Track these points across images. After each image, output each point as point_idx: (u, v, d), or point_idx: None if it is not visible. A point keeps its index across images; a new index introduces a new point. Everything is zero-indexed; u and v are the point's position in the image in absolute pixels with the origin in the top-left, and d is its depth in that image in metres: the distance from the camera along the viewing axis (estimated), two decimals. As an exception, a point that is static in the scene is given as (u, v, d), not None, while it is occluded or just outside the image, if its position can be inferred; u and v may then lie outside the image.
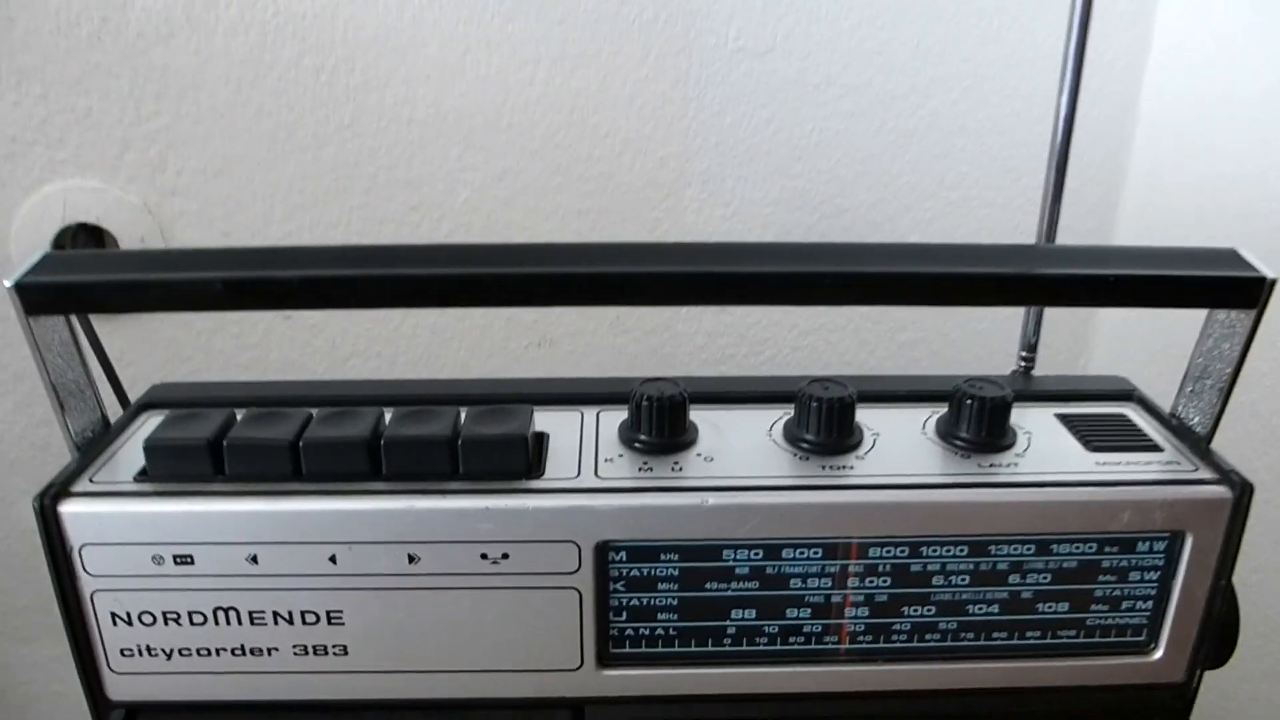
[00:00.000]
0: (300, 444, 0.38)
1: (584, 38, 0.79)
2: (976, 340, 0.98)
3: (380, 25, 0.76)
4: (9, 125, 0.73)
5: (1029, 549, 0.40)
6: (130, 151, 0.77)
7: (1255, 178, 0.76)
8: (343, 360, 0.88)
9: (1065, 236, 0.93)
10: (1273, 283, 0.37)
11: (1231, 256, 0.38)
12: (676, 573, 0.39)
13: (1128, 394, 0.46)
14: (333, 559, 0.38)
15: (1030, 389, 0.46)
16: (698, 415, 0.43)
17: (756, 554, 0.39)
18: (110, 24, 0.72)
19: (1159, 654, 0.42)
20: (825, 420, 0.40)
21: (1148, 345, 0.89)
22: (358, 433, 0.38)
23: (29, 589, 0.88)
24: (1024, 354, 0.49)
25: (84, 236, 0.79)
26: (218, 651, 0.39)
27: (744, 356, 0.94)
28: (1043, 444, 0.42)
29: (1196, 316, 0.41)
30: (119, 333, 0.81)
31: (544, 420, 0.43)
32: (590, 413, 0.44)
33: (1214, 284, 0.38)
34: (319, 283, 0.35)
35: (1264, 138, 0.75)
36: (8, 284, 0.35)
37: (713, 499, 0.38)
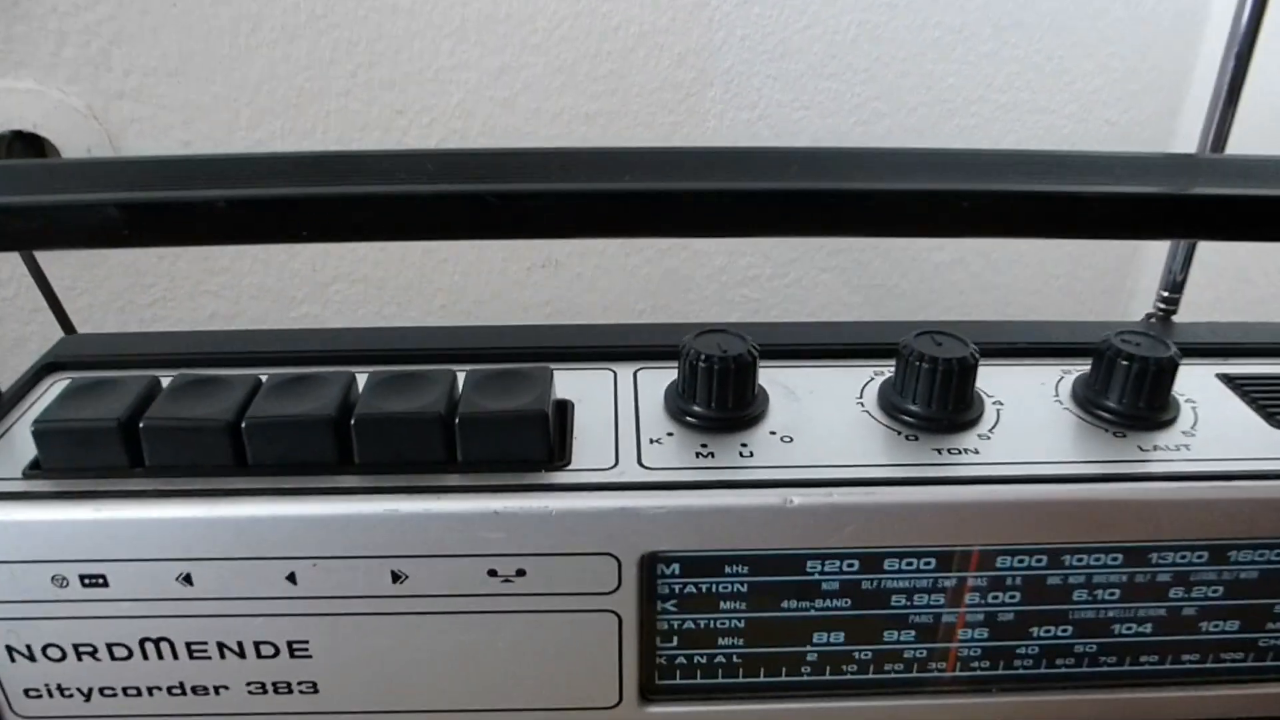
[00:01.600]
0: (243, 425, 0.28)
1: (593, -91, 0.69)
2: (1019, 261, 0.89)
3: (355, -109, 0.66)
4: (-83, 13, 0.63)
5: (1200, 556, 0.31)
6: (68, 46, 0.66)
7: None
8: (325, 285, 0.79)
9: (1110, 144, 0.84)
10: None
11: None
12: (745, 589, 0.30)
13: (1300, 346, 0.37)
14: (291, 578, 0.28)
15: (1181, 341, 0.37)
16: (765, 375, 0.33)
17: (851, 565, 0.30)
18: (32, -112, 0.61)
19: (1344, 678, 0.33)
20: (940, 389, 0.30)
21: (1209, 278, 0.79)
22: (319, 409, 0.28)
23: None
24: (1165, 294, 0.39)
25: (20, 146, 0.69)
26: (150, 691, 0.30)
27: (768, 278, 0.86)
28: (1213, 417, 0.32)
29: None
30: (69, 257, 0.72)
31: (567, 383, 0.33)
32: (625, 372, 0.34)
33: None
34: (251, 206, 0.25)
35: None
36: None
37: (799, 497, 0.28)
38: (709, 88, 0.77)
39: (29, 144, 0.68)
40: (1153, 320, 0.39)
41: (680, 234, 0.27)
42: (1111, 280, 0.91)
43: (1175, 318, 0.40)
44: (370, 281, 0.79)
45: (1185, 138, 0.84)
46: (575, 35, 0.73)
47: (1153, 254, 0.87)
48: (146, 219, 0.25)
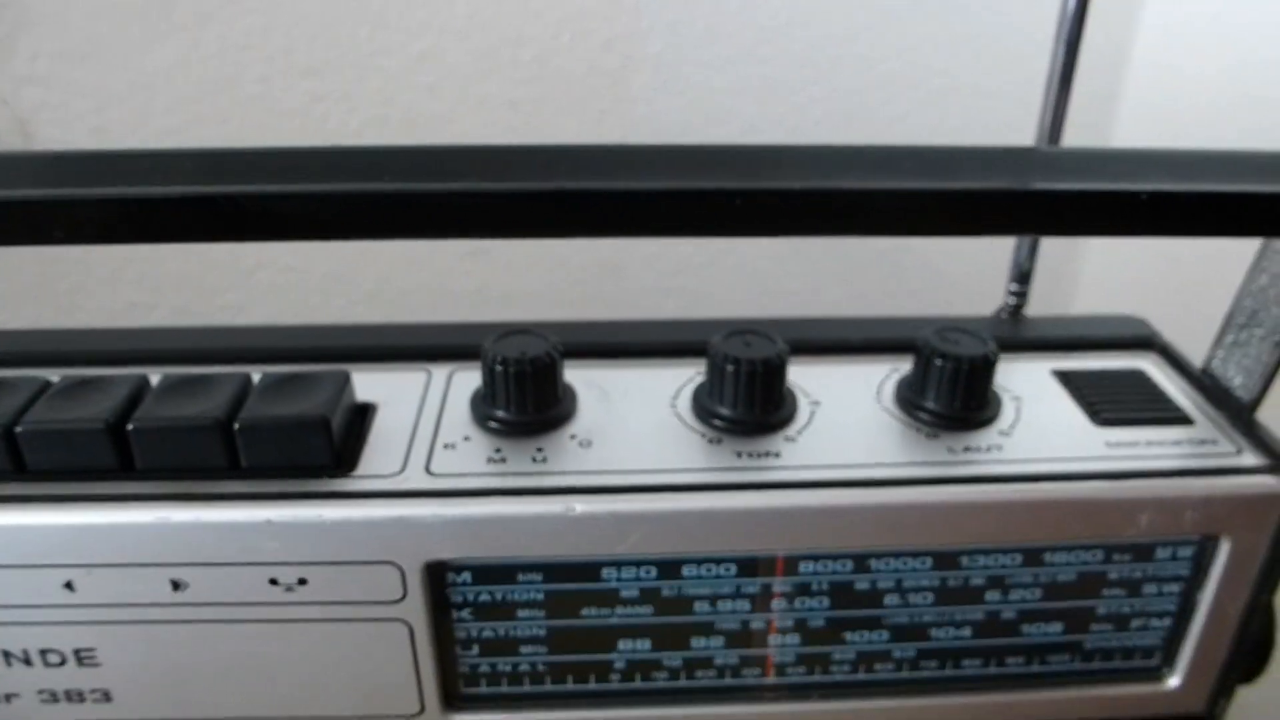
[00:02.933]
0: (18, 430, 0.28)
1: (508, -112, 0.68)
2: (966, 245, 0.87)
3: (257, -128, 0.64)
4: None
5: (1014, 559, 0.30)
6: (-30, 30, 0.65)
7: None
8: (249, 274, 0.78)
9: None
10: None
11: (1303, 165, 0.28)
12: (541, 596, 0.29)
13: (1145, 341, 0.36)
14: (69, 585, 0.28)
15: (1020, 335, 0.36)
16: (583, 376, 0.33)
17: (647, 572, 0.29)
18: None
19: (1175, 681, 0.33)
20: (744, 390, 0.30)
21: (1145, 278, 0.78)
22: (98, 413, 0.28)
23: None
24: (1013, 287, 0.38)
25: (-74, 134, 0.68)
26: (-63, 699, 0.30)
27: (702, 266, 0.84)
28: (1036, 415, 0.32)
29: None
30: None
31: (378, 384, 0.32)
32: (440, 373, 0.33)
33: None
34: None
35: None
36: None
37: (581, 505, 0.28)
38: (637, 74, 0.76)
39: (-66, 132, 0.67)
40: (1003, 315, 0.39)
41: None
42: (1055, 264, 0.89)
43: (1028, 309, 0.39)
44: (295, 270, 0.78)
45: (1126, 118, 0.83)
46: (496, 21, 0.72)
47: (1087, 270, 0.86)
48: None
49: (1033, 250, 0.38)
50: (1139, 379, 0.34)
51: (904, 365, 0.33)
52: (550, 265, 0.82)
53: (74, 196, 0.25)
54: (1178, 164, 0.27)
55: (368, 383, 0.32)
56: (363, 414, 0.31)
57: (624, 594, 0.29)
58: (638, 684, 0.31)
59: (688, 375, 0.33)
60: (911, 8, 0.77)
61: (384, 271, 0.79)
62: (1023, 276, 0.38)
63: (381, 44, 0.71)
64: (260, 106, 0.71)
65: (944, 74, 0.80)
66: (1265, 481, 0.29)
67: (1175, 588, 0.31)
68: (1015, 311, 0.38)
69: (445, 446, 0.30)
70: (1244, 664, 0.33)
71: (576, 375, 0.33)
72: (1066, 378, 0.34)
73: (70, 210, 0.25)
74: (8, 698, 0.30)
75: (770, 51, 0.77)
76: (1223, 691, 0.33)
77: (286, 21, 0.69)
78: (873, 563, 0.30)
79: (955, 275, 0.88)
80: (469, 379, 0.33)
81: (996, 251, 0.82)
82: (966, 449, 0.30)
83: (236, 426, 0.28)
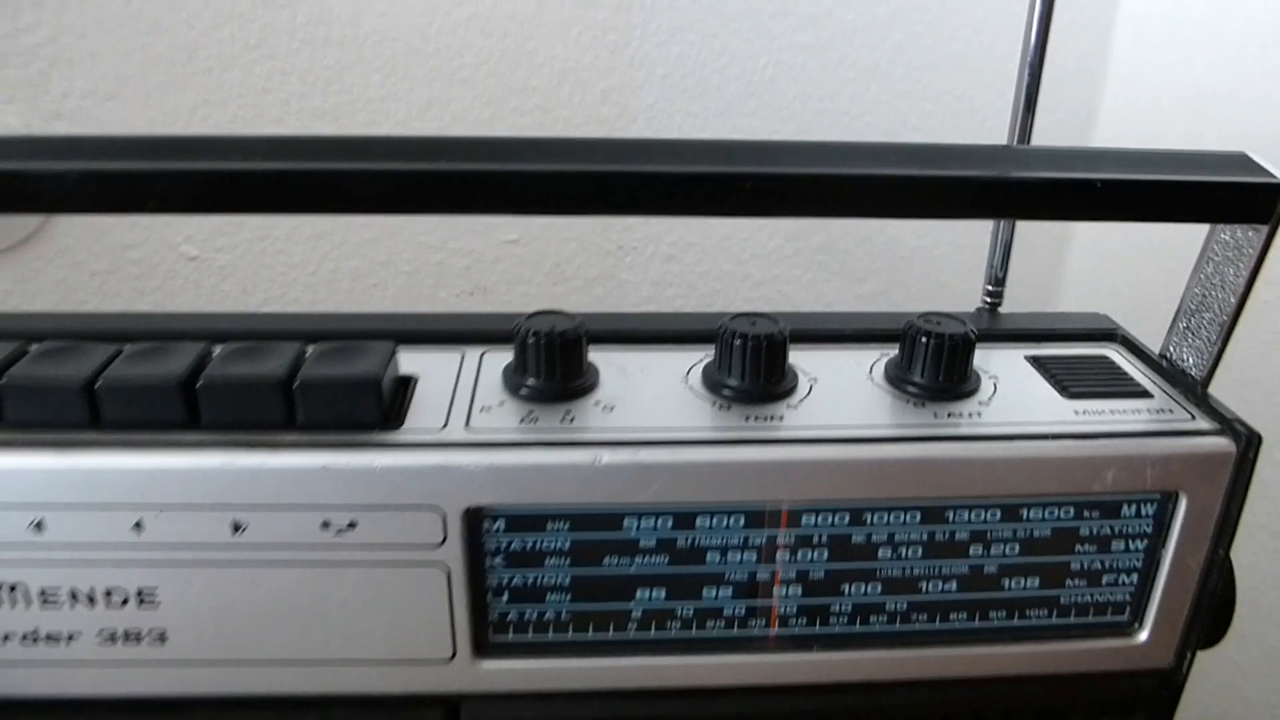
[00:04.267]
0: (97, 386, 0.31)
1: (517, -49, 0.72)
2: (942, 290, 0.91)
3: (285, -71, 0.69)
4: None
5: (994, 514, 0.33)
6: (8, 67, 0.69)
7: (1258, 75, 0.67)
8: (256, 308, 0.81)
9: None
10: (1292, 192, 0.31)
11: (1241, 161, 0.32)
12: (567, 545, 0.32)
13: (1109, 333, 0.40)
14: (138, 526, 0.31)
15: (997, 328, 0.40)
16: (603, 357, 0.36)
17: (665, 522, 0.32)
18: (-28, -83, 0.64)
19: (1144, 636, 0.36)
20: (750, 362, 0.33)
21: (1123, 284, 0.82)
22: (170, 372, 0.31)
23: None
24: (990, 287, 0.42)
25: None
26: (4, 638, 0.32)
27: (693, 308, 0.88)
28: (1011, 390, 0.35)
29: (1183, 243, 0.35)
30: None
31: (417, 362, 0.35)
32: (473, 353, 0.36)
33: (1219, 192, 0.31)
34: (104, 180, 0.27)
35: (1267, 33, 0.66)
36: None
37: (607, 455, 0.31)
38: (632, 124, 0.80)
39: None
40: (981, 310, 0.42)
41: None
42: (1043, 273, 0.92)
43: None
44: (300, 305, 0.81)
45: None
46: (502, 70, 0.76)
47: (1078, 245, 0.89)
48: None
49: (1006, 255, 0.42)
50: (1104, 363, 0.37)
51: (892, 352, 0.37)
52: (545, 304, 0.85)
53: (166, 170, 0.28)
54: (1131, 159, 0.31)
55: (407, 361, 0.35)
56: (405, 384, 0.34)
57: (642, 543, 0.32)
58: (653, 634, 0.34)
59: (698, 357, 0.36)
60: (889, 66, 0.81)
61: (386, 309, 0.82)
62: (997, 280, 0.42)
63: (391, 91, 0.75)
64: (275, 148, 0.75)
65: (919, 129, 0.85)
66: (1218, 442, 0.33)
67: (1140, 544, 0.34)
68: (992, 309, 0.42)
69: (482, 409, 0.33)
70: (1207, 622, 0.36)
71: (596, 357, 0.36)
72: (1038, 361, 0.37)
73: (163, 182, 0.28)
74: (69, 637, 0.32)
75: (756, 105, 0.81)
76: (1188, 645, 0.36)
77: (301, 68, 0.73)
78: (868, 516, 0.33)
79: (939, 300, 0.91)
80: (500, 358, 0.36)
81: (974, 278, 0.86)
82: (950, 415, 0.34)
83: (296, 385, 0.31)
